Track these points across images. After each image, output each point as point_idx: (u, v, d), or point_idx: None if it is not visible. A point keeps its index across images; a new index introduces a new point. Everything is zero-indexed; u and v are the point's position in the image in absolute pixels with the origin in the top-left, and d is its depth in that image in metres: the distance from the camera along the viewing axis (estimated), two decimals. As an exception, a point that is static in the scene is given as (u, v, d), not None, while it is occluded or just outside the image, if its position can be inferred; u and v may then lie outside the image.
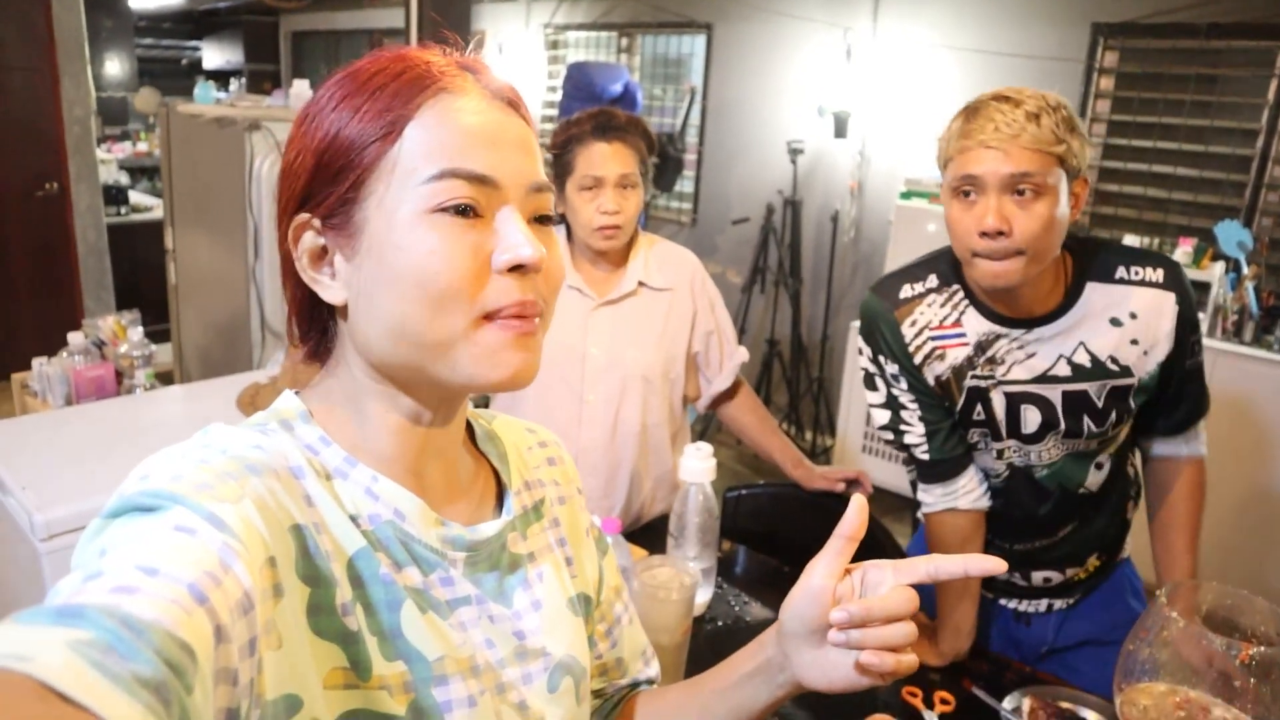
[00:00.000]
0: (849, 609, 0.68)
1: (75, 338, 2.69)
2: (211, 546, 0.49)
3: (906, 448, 1.52)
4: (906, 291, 1.46)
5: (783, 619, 0.74)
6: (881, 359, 1.49)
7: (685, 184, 5.23)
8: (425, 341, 0.62)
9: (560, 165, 1.76)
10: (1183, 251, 3.43)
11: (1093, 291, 1.37)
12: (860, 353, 1.52)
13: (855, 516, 0.72)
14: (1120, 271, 1.38)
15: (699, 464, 1.54)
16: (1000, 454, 1.50)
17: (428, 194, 0.61)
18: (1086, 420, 1.42)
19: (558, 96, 5.13)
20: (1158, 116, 3.62)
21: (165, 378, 4.03)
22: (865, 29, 4.27)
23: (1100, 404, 1.41)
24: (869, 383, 1.53)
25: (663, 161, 4.73)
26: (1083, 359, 1.39)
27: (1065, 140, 1.24)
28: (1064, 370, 1.39)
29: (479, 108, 0.64)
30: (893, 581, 0.70)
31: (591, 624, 0.84)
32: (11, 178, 4.99)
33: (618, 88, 4.60)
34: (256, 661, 0.50)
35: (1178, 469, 1.53)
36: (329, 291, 0.65)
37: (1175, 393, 1.46)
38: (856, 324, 4.12)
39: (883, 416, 1.52)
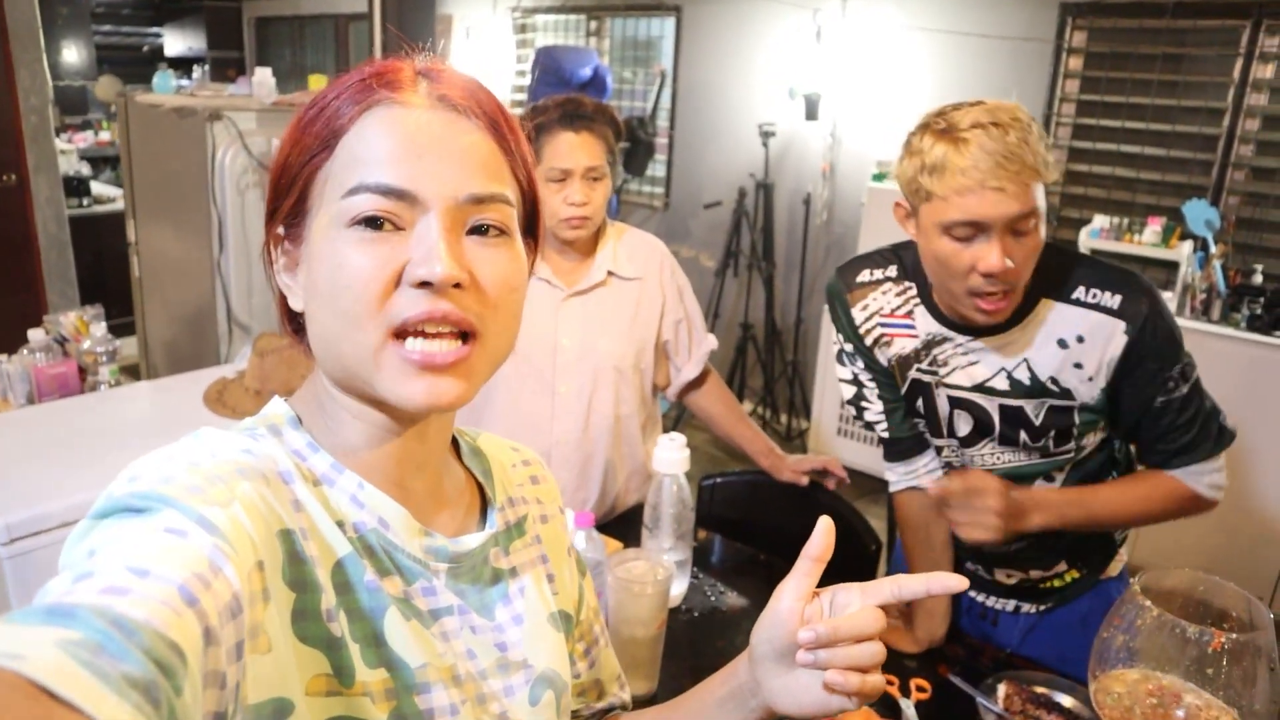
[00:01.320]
0: (816, 628, 0.69)
1: (36, 334, 2.63)
2: (202, 549, 0.49)
3: (869, 425, 1.54)
4: (864, 276, 1.47)
5: (753, 643, 0.74)
6: (840, 337, 1.51)
7: (657, 168, 5.20)
8: (344, 357, 0.62)
9: None
10: (1151, 230, 3.46)
11: (1045, 308, 1.32)
12: (833, 328, 1.54)
13: (821, 539, 0.72)
14: (1079, 292, 1.30)
15: (672, 454, 1.53)
16: (939, 451, 1.50)
17: (344, 209, 0.61)
18: (1022, 433, 1.39)
19: (527, 81, 5.08)
20: (1125, 96, 3.63)
21: (132, 371, 3.97)
22: (834, 10, 4.25)
23: (1038, 422, 1.37)
24: (838, 358, 1.54)
25: (634, 146, 4.70)
26: (1023, 375, 1.35)
27: (1047, 160, 1.19)
28: (1002, 384, 1.36)
29: (415, 118, 0.62)
30: (860, 602, 0.71)
31: (571, 643, 0.84)
32: (-32, 170, 4.87)
33: (587, 71, 4.56)
34: (242, 665, 0.50)
35: (1165, 479, 1.39)
36: (294, 300, 0.67)
37: (1148, 431, 1.36)
38: (830, 307, 4.13)
39: (848, 392, 1.54)
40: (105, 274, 5.27)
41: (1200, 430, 1.34)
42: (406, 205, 0.60)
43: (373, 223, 0.60)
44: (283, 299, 0.70)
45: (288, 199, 0.65)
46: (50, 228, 5.16)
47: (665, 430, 1.90)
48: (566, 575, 0.84)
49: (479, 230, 0.63)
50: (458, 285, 0.60)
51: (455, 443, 0.80)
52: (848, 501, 1.91)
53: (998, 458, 1.44)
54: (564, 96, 1.77)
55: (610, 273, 1.83)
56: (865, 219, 3.99)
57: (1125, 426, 1.38)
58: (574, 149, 1.71)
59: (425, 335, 0.60)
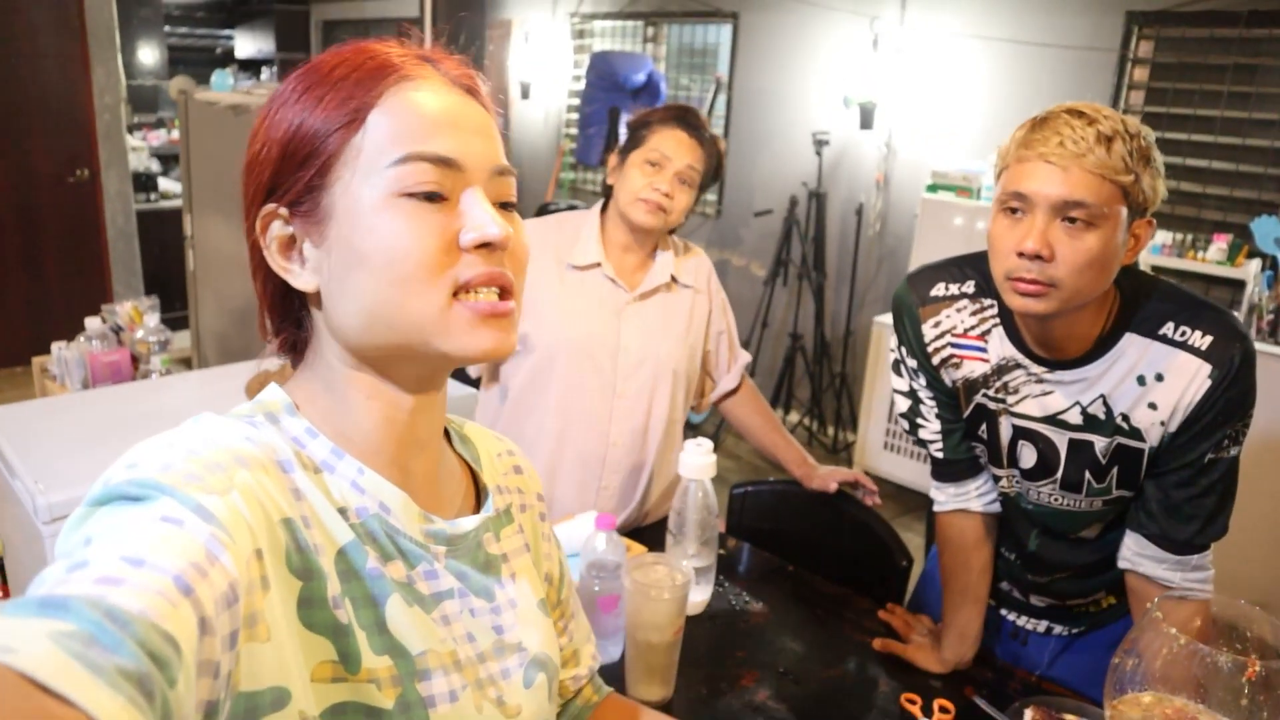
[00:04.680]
0: None
1: (93, 323, 2.71)
2: (198, 538, 0.49)
3: (922, 442, 1.48)
4: (939, 290, 1.38)
5: None
6: (904, 350, 1.44)
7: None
8: (399, 323, 0.63)
9: (631, 139, 1.77)
10: (1217, 248, 3.34)
11: (1130, 344, 1.23)
12: (894, 337, 1.48)
13: None
14: (1167, 328, 1.21)
15: (698, 459, 1.51)
16: (998, 480, 1.45)
17: (394, 177, 0.62)
18: (1087, 475, 1.32)
19: (583, 86, 5.10)
20: (1193, 108, 3.51)
21: (187, 363, 4.06)
22: (893, 18, 4.19)
23: (1104, 460, 1.30)
24: (895, 368, 1.48)
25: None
26: (1098, 410, 1.27)
27: (1135, 171, 1.11)
28: (1075, 418, 1.29)
29: (439, 94, 0.65)
30: None
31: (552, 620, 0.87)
32: (44, 163, 5.06)
33: (640, 77, 4.57)
34: (235, 654, 0.50)
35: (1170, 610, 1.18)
36: (299, 279, 0.66)
37: (1173, 490, 1.26)
38: (881, 319, 4.06)
39: (903, 405, 1.49)
40: (169, 267, 5.42)
41: (1219, 502, 1.26)
42: (453, 175, 0.63)
43: (427, 196, 0.62)
44: (268, 291, 0.69)
45: (304, 171, 0.64)
46: (118, 221, 5.34)
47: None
48: (545, 561, 0.87)
49: (502, 205, 0.67)
50: (503, 247, 0.64)
51: (445, 432, 0.81)
52: (878, 514, 1.87)
53: (1055, 499, 1.38)
54: (684, 106, 1.81)
55: (674, 278, 1.84)
56: (919, 231, 3.92)
57: (1155, 475, 1.28)
58: (680, 145, 1.73)
59: (476, 293, 0.64)
